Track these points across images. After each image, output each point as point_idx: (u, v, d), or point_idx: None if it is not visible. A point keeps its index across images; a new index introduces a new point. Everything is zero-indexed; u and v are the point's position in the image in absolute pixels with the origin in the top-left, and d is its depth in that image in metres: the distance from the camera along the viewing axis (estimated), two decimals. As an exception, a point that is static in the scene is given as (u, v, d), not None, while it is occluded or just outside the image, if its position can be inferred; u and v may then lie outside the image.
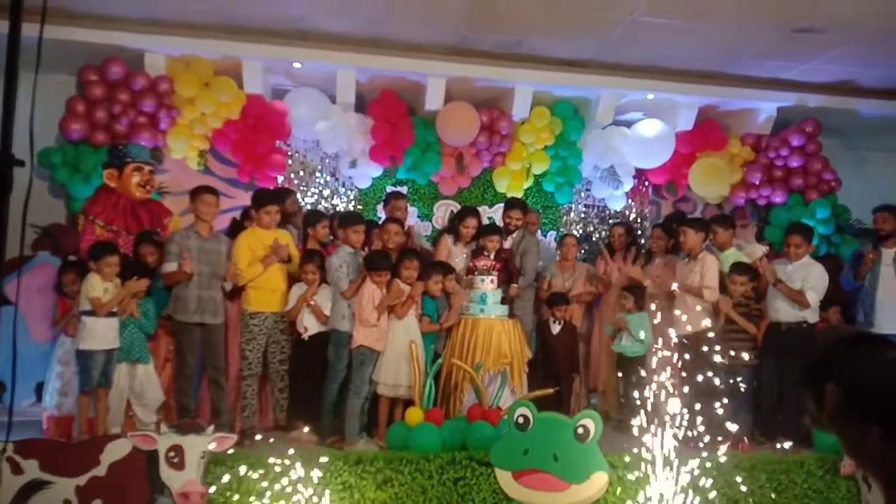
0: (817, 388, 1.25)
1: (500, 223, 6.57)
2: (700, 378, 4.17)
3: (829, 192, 7.03)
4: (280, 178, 6.59)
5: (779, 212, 7.08)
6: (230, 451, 3.94)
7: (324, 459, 4.01)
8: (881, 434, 1.16)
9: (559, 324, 5.71)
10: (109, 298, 4.53)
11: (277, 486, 3.86)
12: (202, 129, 6.22)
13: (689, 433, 3.84)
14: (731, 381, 5.11)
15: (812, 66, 6.40)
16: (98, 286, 4.53)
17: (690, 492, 3.80)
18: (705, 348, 4.43)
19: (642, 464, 3.87)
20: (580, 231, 7.33)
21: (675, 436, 3.79)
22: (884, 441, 1.16)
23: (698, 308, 5.22)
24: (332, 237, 5.71)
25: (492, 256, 5.54)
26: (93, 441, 4.09)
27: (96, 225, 5.33)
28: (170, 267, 4.82)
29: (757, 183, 7.06)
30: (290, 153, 6.78)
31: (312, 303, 5.04)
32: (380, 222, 6.31)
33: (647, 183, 7.43)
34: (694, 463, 3.84)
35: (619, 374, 5.67)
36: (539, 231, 6.99)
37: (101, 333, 4.52)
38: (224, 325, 5.00)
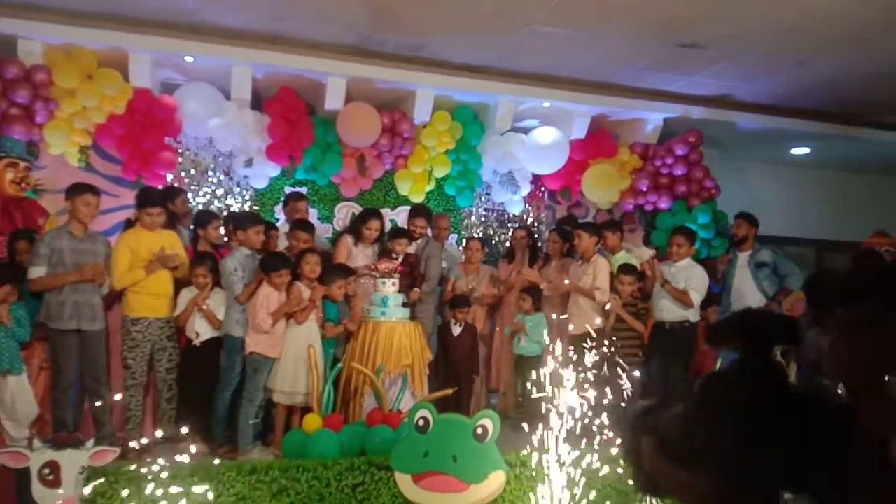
0: None
1: (403, 226, 6.58)
2: (593, 376, 4.31)
3: (709, 198, 7.47)
4: (170, 177, 6.28)
5: (664, 217, 7.47)
6: (114, 466, 3.70)
7: (215, 470, 3.85)
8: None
9: (460, 325, 5.77)
10: None
11: (164, 502, 3.66)
12: (84, 123, 5.82)
13: (583, 430, 3.96)
14: (622, 377, 5.34)
15: (695, 80, 6.80)
16: None
17: (584, 487, 3.92)
18: (597, 347, 4.60)
19: (538, 461, 3.96)
20: (481, 234, 7.44)
21: (568, 433, 3.91)
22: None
23: (590, 308, 5.42)
24: (225, 238, 5.51)
25: (399, 259, 5.53)
26: (-47, 461, 3.72)
27: (-37, 224, 4.89)
28: (38, 272, 4.47)
29: (644, 189, 7.40)
30: (180, 150, 6.48)
31: (204, 307, 4.83)
32: (278, 224, 6.16)
33: (543, 188, 7.65)
34: (588, 458, 3.96)
35: (517, 375, 5.79)
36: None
37: None
38: (104, 331, 4.71)
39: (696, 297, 5.55)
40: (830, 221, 8.73)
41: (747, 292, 5.96)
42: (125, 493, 3.69)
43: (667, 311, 5.57)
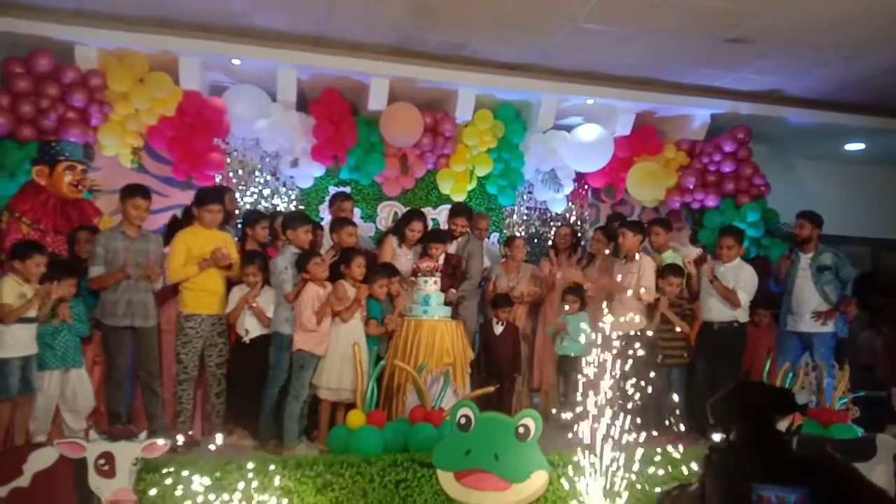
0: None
1: (444, 226, 6.61)
2: (637, 376, 4.26)
3: (758, 196, 7.30)
4: (218, 177, 6.44)
5: (712, 215, 7.33)
6: (164, 458, 3.82)
7: (262, 465, 3.93)
8: None
9: (502, 324, 5.77)
10: (22, 304, 4.30)
11: (213, 494, 3.76)
12: (136, 125, 6.01)
13: (626, 430, 3.92)
14: (667, 379, 5.26)
15: (743, 75, 6.65)
16: (11, 292, 4.29)
17: (627, 487, 3.88)
18: (642, 347, 4.54)
19: (581, 461, 3.94)
20: (523, 233, 7.41)
21: (612, 433, 3.87)
22: None
23: (635, 308, 5.35)
24: (270, 238, 5.62)
25: (441, 259, 5.57)
26: (15, 450, 3.89)
27: (23, 223, 5.10)
28: (96, 271, 4.63)
29: (691, 187, 7.27)
30: (228, 151, 6.64)
31: (254, 305, 4.94)
32: (323, 223, 6.25)
33: (586, 186, 7.58)
34: (631, 458, 3.92)
35: (560, 374, 5.76)
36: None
37: (16, 339, 4.30)
38: (157, 328, 4.85)
39: (744, 297, 5.42)
40: (887, 219, 8.42)
41: (808, 296, 5.81)
42: (176, 485, 3.80)
43: (715, 310, 5.47)
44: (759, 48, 5.94)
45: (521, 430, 4.05)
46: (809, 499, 1.53)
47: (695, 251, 6.46)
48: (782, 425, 1.95)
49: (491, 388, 5.05)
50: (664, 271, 5.53)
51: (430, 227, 6.29)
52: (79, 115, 5.75)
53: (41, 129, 5.63)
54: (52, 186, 5.15)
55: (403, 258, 5.79)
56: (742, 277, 5.46)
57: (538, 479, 4.04)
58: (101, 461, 3.53)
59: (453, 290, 5.78)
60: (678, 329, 5.45)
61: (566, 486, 4.05)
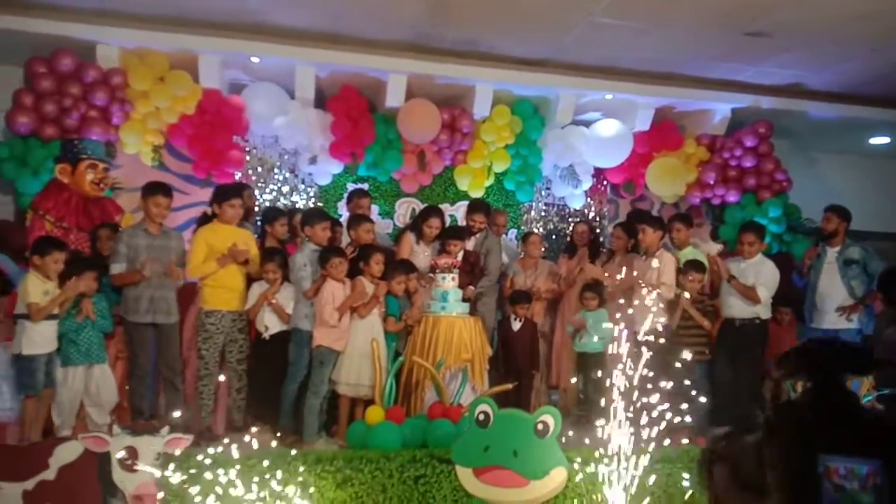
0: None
1: (462, 222, 6.60)
2: (657, 373, 4.23)
3: (780, 191, 7.22)
4: (238, 175, 6.49)
5: (733, 211, 7.25)
6: (187, 453, 3.86)
7: (282, 459, 3.96)
8: None
9: (520, 321, 5.76)
10: (49, 301, 4.37)
11: (234, 488, 3.79)
12: (156, 123, 6.07)
13: (646, 427, 3.90)
14: (687, 376, 5.21)
15: (764, 69, 6.57)
16: (36, 290, 4.36)
17: (647, 485, 3.86)
18: (662, 344, 4.51)
19: (601, 458, 3.92)
20: (541, 229, 7.39)
21: (632, 430, 3.85)
22: None
23: (655, 305, 5.30)
24: (289, 235, 5.65)
25: (459, 255, 5.56)
26: (41, 444, 3.97)
27: (46, 220, 5.16)
28: (118, 268, 4.69)
29: (712, 182, 7.20)
30: (247, 149, 6.68)
31: (274, 301, 4.97)
32: (341, 219, 6.28)
33: (605, 182, 7.54)
34: (651, 456, 3.90)
35: (579, 371, 5.74)
36: (502, 230, 7.03)
37: (43, 336, 4.38)
38: (178, 324, 4.90)
39: (765, 294, 5.36)
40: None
41: (833, 291, 5.73)
42: (197, 479, 3.83)
43: (736, 307, 5.41)
44: (780, 42, 5.86)
45: (539, 426, 4.03)
46: (883, 470, 1.43)
47: (715, 247, 6.39)
48: (861, 389, 1.85)
49: (509, 385, 5.05)
50: (685, 267, 5.49)
51: (447, 224, 6.30)
52: (100, 114, 5.82)
53: (64, 128, 5.71)
54: (75, 184, 5.21)
55: (421, 255, 5.80)
56: (763, 273, 5.40)
57: (557, 476, 4.03)
58: (125, 455, 3.59)
59: (472, 288, 5.78)
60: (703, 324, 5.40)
61: (586, 483, 4.04)
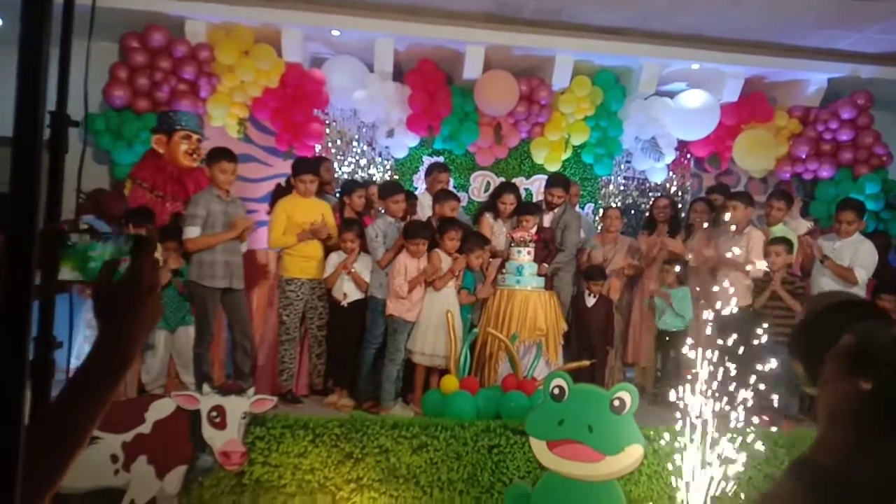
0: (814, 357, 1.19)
1: (537, 196, 6.51)
2: (741, 354, 4.10)
3: (879, 166, 6.80)
4: (318, 147, 6.61)
5: (825, 186, 6.88)
6: (271, 414, 4.03)
7: (361, 423, 4.07)
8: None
9: (594, 297, 5.66)
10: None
11: (315, 448, 3.94)
12: (242, 97, 6.24)
13: (728, 409, 3.79)
14: (772, 358, 5.01)
15: (867, 36, 6.14)
16: None
17: (727, 467, 3.76)
18: (747, 324, 4.35)
19: (678, 438, 3.84)
20: (619, 203, 7.22)
21: (713, 411, 3.75)
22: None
23: (740, 283, 5.12)
24: (366, 206, 5.72)
25: (535, 229, 5.51)
26: (138, 400, 4.20)
27: (144, 189, 5.37)
28: (193, 231, 4.61)
29: (804, 157, 6.85)
30: (327, 122, 6.79)
31: (352, 270, 5.07)
32: (417, 192, 6.31)
33: (689, 155, 7.28)
34: (732, 439, 3.79)
35: (658, 350, 5.62)
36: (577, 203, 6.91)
37: None
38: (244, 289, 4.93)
39: (863, 275, 5.07)
40: None
41: None
42: (281, 439, 3.99)
43: (828, 289, 5.14)
44: (890, 5, 5.45)
45: (616, 402, 3.98)
46: None
47: (805, 224, 6.09)
48: None
49: (586, 362, 4.99)
50: (772, 242, 5.26)
51: (522, 199, 6.23)
52: (189, 87, 6.03)
53: (155, 101, 5.95)
54: (169, 155, 5.39)
55: (500, 233, 5.77)
56: (861, 254, 5.10)
57: (633, 453, 3.97)
58: (214, 413, 3.77)
59: (545, 265, 5.72)
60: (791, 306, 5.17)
61: (662, 461, 3.97)
